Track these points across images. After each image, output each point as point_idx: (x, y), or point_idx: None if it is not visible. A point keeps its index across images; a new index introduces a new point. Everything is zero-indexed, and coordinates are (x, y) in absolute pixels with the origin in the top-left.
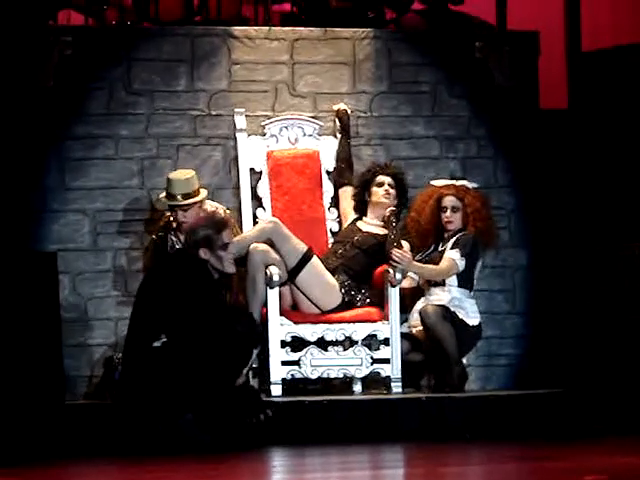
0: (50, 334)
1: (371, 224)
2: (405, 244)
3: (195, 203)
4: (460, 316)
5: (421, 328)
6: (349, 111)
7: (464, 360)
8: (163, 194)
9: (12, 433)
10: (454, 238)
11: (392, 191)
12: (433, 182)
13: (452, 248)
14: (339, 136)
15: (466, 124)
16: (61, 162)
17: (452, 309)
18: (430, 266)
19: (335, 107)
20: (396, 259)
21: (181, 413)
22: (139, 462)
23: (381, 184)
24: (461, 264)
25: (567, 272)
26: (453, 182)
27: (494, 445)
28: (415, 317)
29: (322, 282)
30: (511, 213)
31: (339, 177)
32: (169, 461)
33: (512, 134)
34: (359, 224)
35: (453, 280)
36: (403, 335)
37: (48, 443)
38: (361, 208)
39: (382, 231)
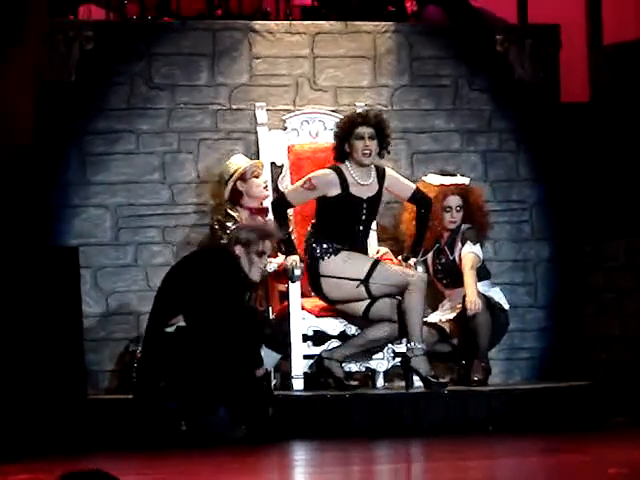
0: (72, 329)
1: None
2: (383, 249)
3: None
4: (496, 298)
5: (451, 317)
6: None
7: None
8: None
9: (35, 427)
10: (459, 235)
11: (372, 143)
12: (426, 179)
13: (463, 245)
14: None
15: (487, 118)
16: (82, 157)
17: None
18: (469, 284)
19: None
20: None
21: (213, 409)
22: (162, 456)
23: (361, 137)
24: (480, 253)
25: (588, 265)
26: (450, 179)
27: (517, 439)
28: (447, 306)
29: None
30: (533, 207)
31: None
32: (191, 455)
33: (533, 128)
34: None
35: None
36: (431, 325)
37: (70, 437)
38: (341, 158)
39: (371, 192)
